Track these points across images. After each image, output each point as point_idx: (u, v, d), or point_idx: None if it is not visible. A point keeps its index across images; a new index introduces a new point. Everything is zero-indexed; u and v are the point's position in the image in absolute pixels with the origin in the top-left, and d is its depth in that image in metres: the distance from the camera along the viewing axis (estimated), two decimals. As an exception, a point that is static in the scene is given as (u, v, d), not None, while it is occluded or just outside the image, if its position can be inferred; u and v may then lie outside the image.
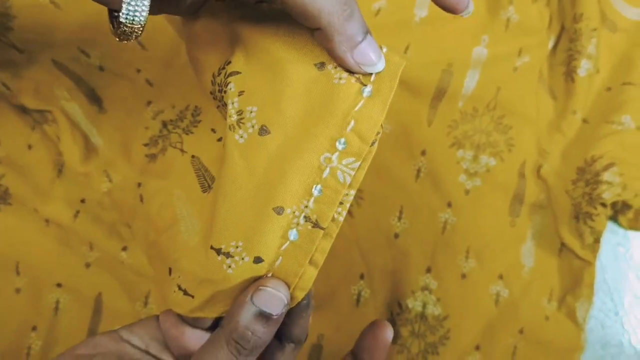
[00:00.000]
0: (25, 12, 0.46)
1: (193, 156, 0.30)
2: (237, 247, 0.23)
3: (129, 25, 0.23)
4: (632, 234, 0.48)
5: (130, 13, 0.23)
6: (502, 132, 0.49)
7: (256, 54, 0.25)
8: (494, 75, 0.50)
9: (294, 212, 0.23)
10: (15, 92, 0.46)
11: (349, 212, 0.47)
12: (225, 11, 0.26)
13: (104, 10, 0.25)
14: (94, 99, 0.47)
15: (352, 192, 0.23)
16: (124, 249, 0.46)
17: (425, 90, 0.49)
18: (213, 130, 0.33)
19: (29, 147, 0.47)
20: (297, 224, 0.23)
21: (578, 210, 0.46)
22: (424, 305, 0.46)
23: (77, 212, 0.46)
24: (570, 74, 0.49)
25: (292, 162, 0.23)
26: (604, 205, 0.45)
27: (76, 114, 0.46)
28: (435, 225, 0.48)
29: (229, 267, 0.23)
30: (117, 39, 0.25)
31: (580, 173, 0.47)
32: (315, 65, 0.24)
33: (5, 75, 0.46)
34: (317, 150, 0.23)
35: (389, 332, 0.28)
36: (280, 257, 0.23)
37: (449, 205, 0.48)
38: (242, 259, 0.23)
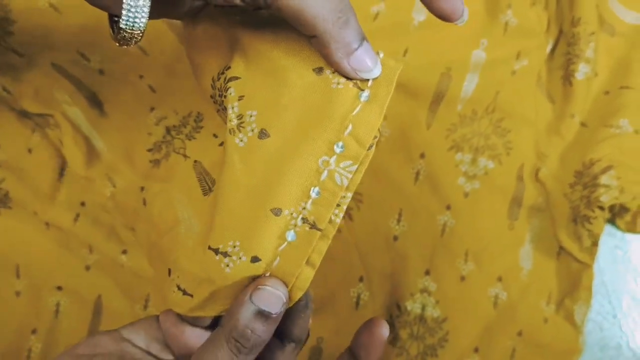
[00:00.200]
0: (25, 16, 0.46)
1: (195, 161, 0.30)
2: (234, 247, 0.24)
3: (129, 30, 0.24)
4: (629, 236, 0.48)
5: (130, 19, 0.23)
6: (501, 135, 0.49)
7: (256, 60, 0.25)
8: (492, 78, 0.50)
9: (291, 214, 0.23)
10: (16, 96, 0.46)
11: (348, 215, 0.47)
12: (225, 16, 0.27)
13: (103, 14, 0.26)
14: (95, 102, 0.47)
15: (349, 194, 0.24)
16: (124, 252, 0.46)
17: (424, 93, 0.49)
18: (215, 136, 0.34)
19: (29, 150, 0.47)
20: (295, 225, 0.23)
21: (576, 213, 0.46)
22: (423, 308, 0.47)
23: (77, 215, 0.46)
24: (568, 78, 0.49)
25: (291, 164, 0.23)
26: (601, 208, 0.45)
27: (77, 118, 0.47)
28: (434, 228, 0.48)
29: (227, 266, 0.24)
30: (117, 44, 0.25)
31: (578, 176, 0.47)
32: (314, 70, 0.24)
33: (6, 79, 0.46)
34: (315, 153, 0.23)
35: (384, 329, 0.28)
36: (278, 258, 0.24)
37: (448, 208, 0.48)
38: (240, 258, 0.23)
